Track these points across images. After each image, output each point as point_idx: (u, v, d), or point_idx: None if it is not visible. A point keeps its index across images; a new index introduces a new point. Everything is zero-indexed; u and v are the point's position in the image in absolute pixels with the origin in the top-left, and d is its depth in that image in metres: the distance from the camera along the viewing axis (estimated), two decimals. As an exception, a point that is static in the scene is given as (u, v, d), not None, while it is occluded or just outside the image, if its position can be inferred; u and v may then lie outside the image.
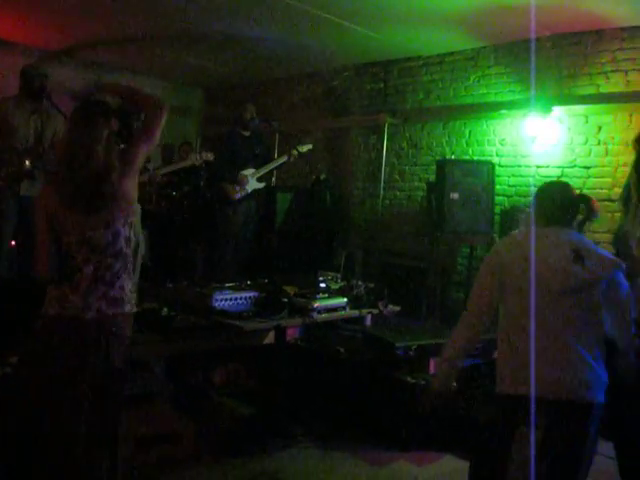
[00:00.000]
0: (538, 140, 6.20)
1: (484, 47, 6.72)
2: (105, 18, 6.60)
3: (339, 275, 5.40)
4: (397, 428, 4.32)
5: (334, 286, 5.15)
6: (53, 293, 2.66)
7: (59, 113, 5.46)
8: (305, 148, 7.02)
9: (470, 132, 6.87)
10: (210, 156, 5.94)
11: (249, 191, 6.58)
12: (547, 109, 6.03)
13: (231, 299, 4.26)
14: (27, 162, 5.33)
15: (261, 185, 6.73)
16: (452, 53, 7.01)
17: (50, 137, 5.54)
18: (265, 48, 7.35)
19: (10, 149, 5.31)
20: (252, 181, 6.58)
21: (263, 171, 6.73)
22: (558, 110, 6.02)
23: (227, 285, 4.81)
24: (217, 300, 4.23)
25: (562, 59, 6.08)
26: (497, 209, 6.37)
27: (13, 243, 5.55)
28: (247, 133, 6.73)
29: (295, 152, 6.88)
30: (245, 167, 6.59)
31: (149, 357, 4.21)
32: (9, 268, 5.46)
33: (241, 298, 4.30)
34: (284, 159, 6.93)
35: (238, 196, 6.50)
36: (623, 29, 5.67)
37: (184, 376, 4.51)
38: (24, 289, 4.03)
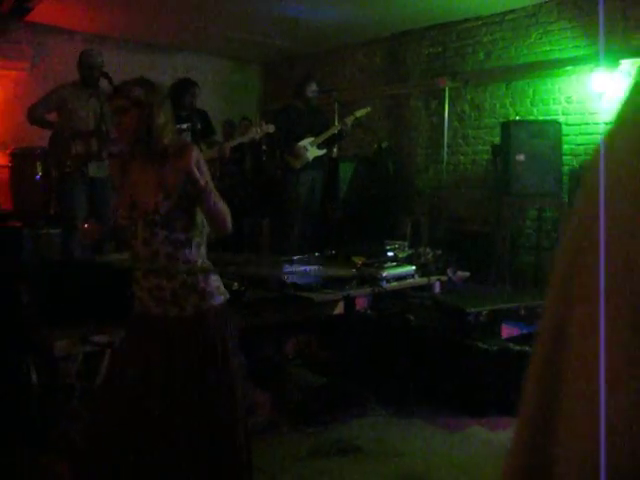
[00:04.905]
0: (606, 96, 6.00)
1: (546, 2, 6.52)
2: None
3: (406, 243, 5.39)
4: (469, 394, 4.31)
5: (401, 254, 5.14)
6: None
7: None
8: (362, 113, 6.70)
9: (534, 91, 6.70)
10: (271, 128, 5.92)
11: (310, 159, 6.48)
12: (615, 63, 5.83)
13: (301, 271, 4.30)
14: (93, 144, 5.45)
15: (322, 152, 6.57)
16: (512, 11, 6.82)
17: (111, 118, 5.64)
18: (321, 18, 7.30)
19: (73, 133, 5.44)
20: (311, 148, 6.48)
21: (321, 139, 6.53)
22: (626, 63, 5.81)
23: (296, 258, 4.85)
24: (287, 273, 4.27)
25: (629, 9, 5.84)
26: (565, 169, 6.21)
27: (86, 226, 5.68)
28: (305, 108, 6.63)
29: (351, 118, 6.68)
30: (302, 139, 6.49)
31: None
32: (83, 250, 5.60)
33: (310, 270, 4.33)
34: (340, 127, 6.65)
35: (299, 166, 6.44)
36: (694, -27, 5.43)
37: (257, 349, 4.60)
38: (99, 270, 4.17)
